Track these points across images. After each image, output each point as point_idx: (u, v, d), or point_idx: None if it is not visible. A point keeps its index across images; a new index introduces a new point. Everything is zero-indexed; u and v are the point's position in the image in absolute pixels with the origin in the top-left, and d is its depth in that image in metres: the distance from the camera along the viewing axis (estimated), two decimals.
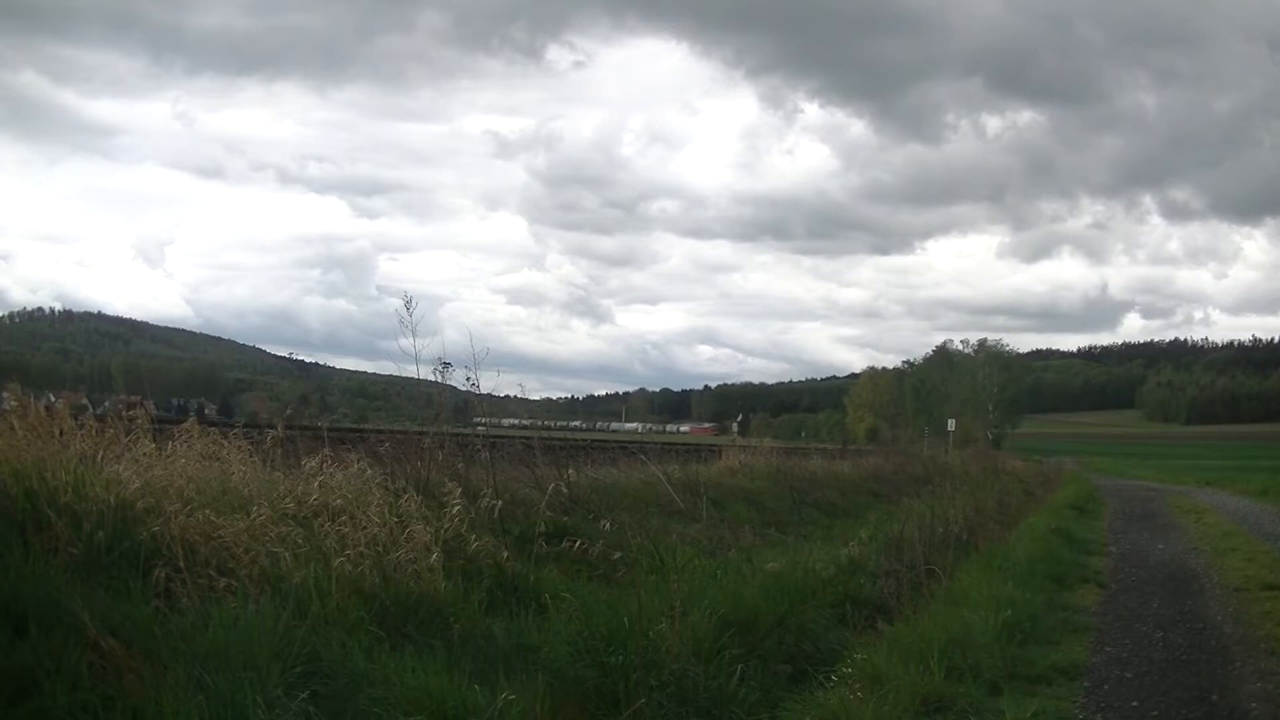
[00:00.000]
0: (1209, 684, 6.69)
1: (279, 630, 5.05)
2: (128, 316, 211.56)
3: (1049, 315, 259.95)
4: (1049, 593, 9.60)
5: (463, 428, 11.47)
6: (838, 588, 8.60)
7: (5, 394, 7.96)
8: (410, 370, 9.79)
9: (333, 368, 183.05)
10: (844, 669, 6.34)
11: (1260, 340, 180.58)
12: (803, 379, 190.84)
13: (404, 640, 5.75)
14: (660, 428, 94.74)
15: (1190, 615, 9.14)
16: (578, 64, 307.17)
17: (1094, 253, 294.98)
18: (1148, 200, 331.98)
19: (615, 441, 23.19)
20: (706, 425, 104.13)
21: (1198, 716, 6.03)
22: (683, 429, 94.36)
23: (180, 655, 4.70)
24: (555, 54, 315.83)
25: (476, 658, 5.68)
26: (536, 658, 5.85)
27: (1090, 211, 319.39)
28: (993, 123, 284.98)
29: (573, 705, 5.37)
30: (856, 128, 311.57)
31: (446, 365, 10.29)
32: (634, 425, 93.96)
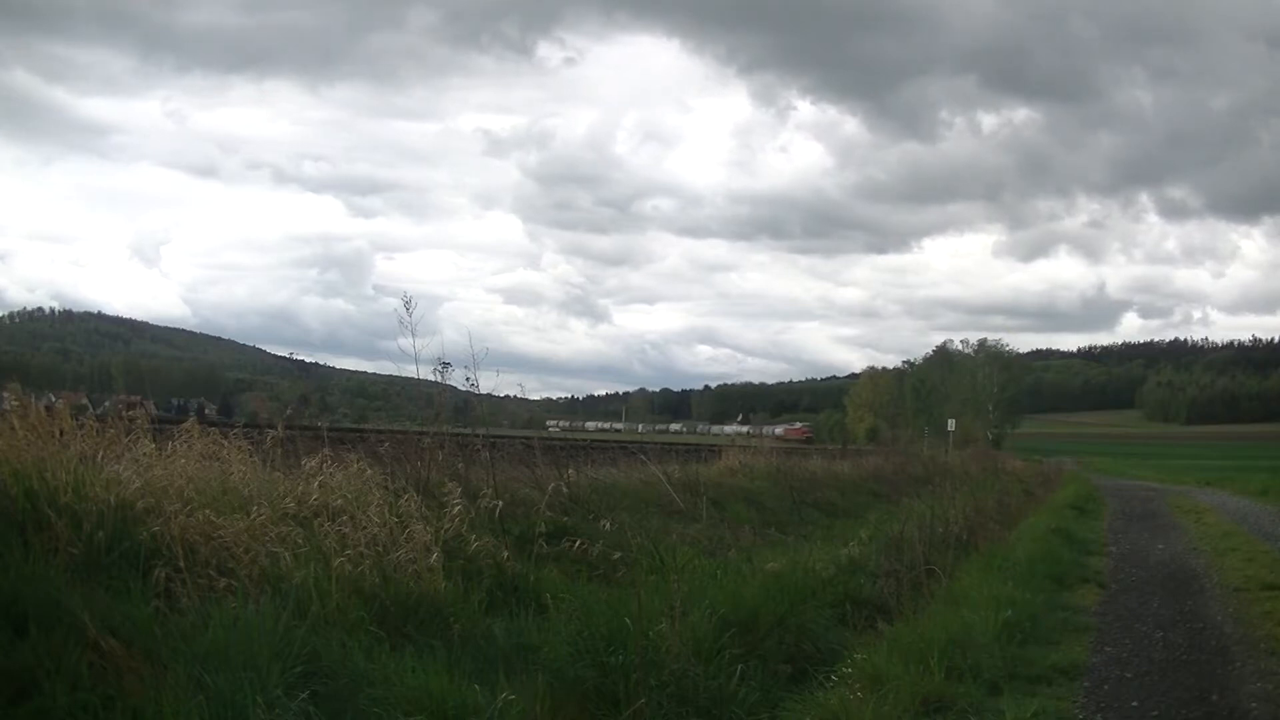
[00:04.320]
0: (1209, 684, 6.69)
1: (279, 630, 5.05)
2: (127, 316, 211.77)
3: (1047, 315, 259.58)
4: (1049, 593, 9.60)
5: (463, 428, 11.46)
6: (838, 588, 8.60)
7: (5, 394, 7.95)
8: (410, 370, 9.81)
9: (333, 368, 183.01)
10: (844, 669, 6.34)
11: (1260, 340, 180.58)
12: (803, 379, 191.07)
13: (404, 640, 5.75)
14: (758, 429, 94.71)
15: (1190, 615, 9.14)
16: (569, 61, 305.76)
17: (1091, 252, 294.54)
18: (1145, 199, 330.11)
19: (616, 442, 23.22)
20: (799, 425, 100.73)
21: (1198, 716, 6.03)
22: (776, 430, 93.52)
23: (180, 655, 4.70)
24: (546, 51, 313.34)
25: (476, 658, 5.69)
26: (536, 658, 5.85)
27: (1087, 210, 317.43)
28: (988, 120, 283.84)
29: (573, 705, 5.37)
30: (850, 125, 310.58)
31: (446, 365, 10.29)
32: (734, 428, 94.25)
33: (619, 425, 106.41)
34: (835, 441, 47.09)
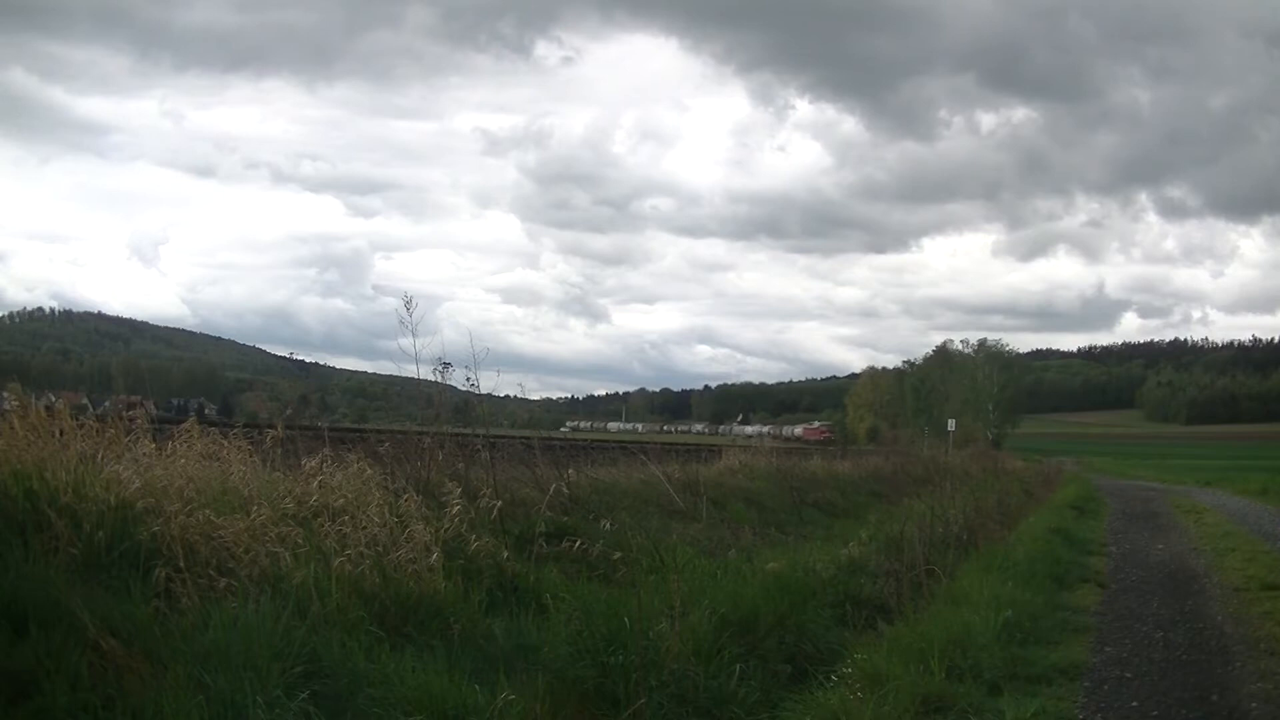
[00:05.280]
0: (1209, 684, 6.69)
1: (279, 630, 5.05)
2: (126, 316, 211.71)
3: (1045, 314, 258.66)
4: (1049, 593, 9.61)
5: (463, 428, 11.45)
6: (838, 588, 8.60)
7: (5, 394, 7.96)
8: (410, 370, 9.80)
9: (332, 368, 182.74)
10: (844, 669, 6.34)
11: (1260, 340, 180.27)
12: (803, 379, 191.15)
13: (404, 640, 5.75)
14: (778, 430, 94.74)
15: (1190, 615, 9.14)
16: (566, 60, 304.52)
17: (1090, 251, 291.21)
18: (1143, 198, 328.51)
19: (616, 442, 23.26)
20: (817, 425, 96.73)
21: (1198, 716, 6.04)
22: (796, 431, 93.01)
23: (180, 655, 4.70)
24: (544, 50, 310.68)
25: (476, 658, 5.68)
26: (536, 658, 5.85)
27: (1085, 209, 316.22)
28: (986, 119, 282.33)
29: (573, 705, 5.37)
30: (848, 124, 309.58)
31: (446, 365, 10.28)
32: (755, 429, 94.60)
33: (640, 426, 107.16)
34: (848, 441, 47.13)
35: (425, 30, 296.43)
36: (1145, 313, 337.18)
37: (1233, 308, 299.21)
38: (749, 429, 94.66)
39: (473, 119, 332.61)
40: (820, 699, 5.79)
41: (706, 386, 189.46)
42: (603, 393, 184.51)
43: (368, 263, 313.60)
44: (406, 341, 9.46)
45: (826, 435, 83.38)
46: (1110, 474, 49.15)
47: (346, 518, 6.74)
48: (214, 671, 4.55)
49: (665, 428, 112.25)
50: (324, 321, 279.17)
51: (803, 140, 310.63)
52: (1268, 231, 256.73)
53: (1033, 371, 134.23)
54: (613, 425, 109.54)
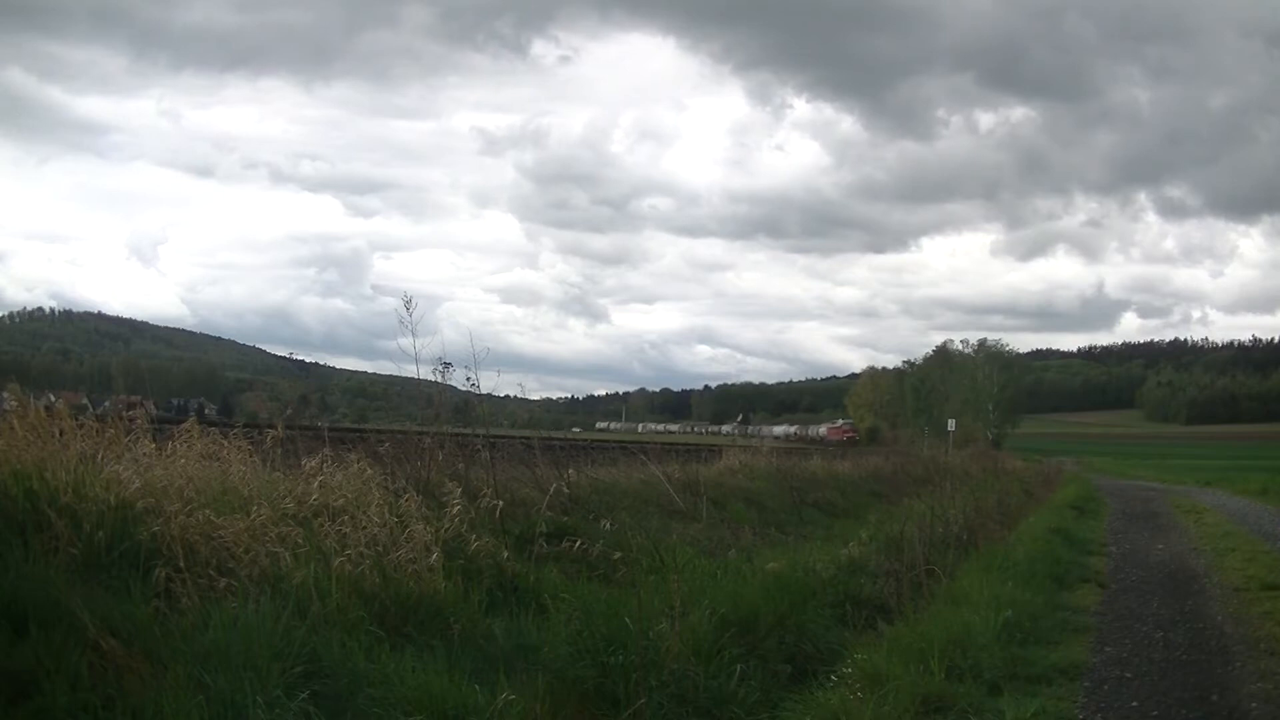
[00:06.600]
0: (1209, 684, 6.69)
1: (279, 630, 5.05)
2: (126, 316, 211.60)
3: (1045, 314, 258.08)
4: (1049, 593, 9.61)
5: (463, 428, 11.45)
6: (838, 588, 8.60)
7: (5, 394, 7.96)
8: (410, 370, 9.80)
9: (332, 368, 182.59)
10: (844, 669, 6.35)
11: (1260, 340, 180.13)
12: (803, 379, 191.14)
13: (404, 640, 5.75)
14: (803, 430, 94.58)
15: (1190, 615, 9.14)
16: (564, 59, 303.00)
17: (1089, 251, 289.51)
18: (1143, 198, 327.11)
19: (617, 442, 23.28)
20: (840, 424, 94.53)
21: (1198, 716, 6.04)
22: (820, 430, 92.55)
23: (180, 655, 4.70)
24: (541, 49, 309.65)
25: (476, 658, 5.69)
26: (536, 658, 5.86)
27: (1085, 209, 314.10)
28: (985, 119, 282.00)
29: (573, 705, 5.38)
30: (847, 124, 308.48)
31: (446, 365, 10.28)
32: (783, 429, 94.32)
33: (672, 428, 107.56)
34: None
35: (423, 30, 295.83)
36: (1145, 313, 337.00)
37: (1233, 308, 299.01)
38: (776, 429, 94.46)
39: (471, 118, 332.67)
40: (820, 699, 5.79)
41: (706, 386, 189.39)
42: (603, 393, 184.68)
43: (367, 263, 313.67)
44: (406, 341, 9.47)
45: (851, 435, 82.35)
46: (1110, 474, 49.12)
47: (346, 518, 6.74)
48: (214, 671, 4.56)
49: (694, 428, 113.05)
50: (324, 321, 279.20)
51: (801, 140, 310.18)
52: (1267, 231, 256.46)
53: (1033, 371, 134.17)
54: (641, 427, 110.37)
